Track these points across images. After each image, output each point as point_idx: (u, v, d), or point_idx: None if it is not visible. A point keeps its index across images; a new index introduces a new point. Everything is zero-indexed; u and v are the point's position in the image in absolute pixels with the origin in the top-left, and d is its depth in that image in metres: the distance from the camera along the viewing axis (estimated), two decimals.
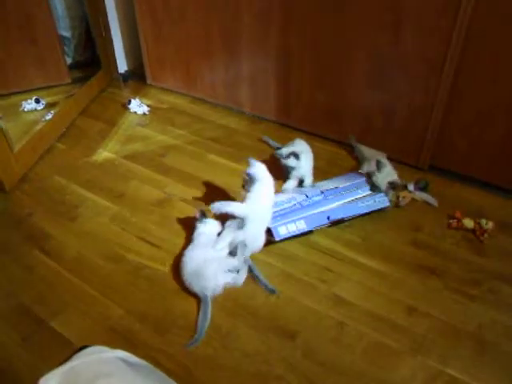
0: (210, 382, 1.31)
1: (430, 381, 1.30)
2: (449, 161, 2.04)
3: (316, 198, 1.79)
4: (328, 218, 1.72)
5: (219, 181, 2.05)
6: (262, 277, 1.58)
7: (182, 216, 1.86)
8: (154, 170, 2.14)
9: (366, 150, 2.11)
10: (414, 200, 1.91)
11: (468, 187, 1.99)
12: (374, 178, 1.83)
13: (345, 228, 1.79)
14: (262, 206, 1.65)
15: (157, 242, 1.75)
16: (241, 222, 1.62)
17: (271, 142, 2.11)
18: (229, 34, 2.35)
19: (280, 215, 1.71)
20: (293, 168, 1.87)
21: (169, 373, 1.09)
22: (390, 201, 1.84)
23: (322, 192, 1.82)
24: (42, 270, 1.66)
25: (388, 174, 1.84)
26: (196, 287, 1.51)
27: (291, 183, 1.91)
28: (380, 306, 1.50)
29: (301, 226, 1.69)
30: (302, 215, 1.72)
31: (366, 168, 1.95)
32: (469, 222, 1.77)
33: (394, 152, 2.07)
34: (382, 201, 1.82)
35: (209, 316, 1.45)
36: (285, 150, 1.86)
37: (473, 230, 1.76)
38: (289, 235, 1.68)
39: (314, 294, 1.55)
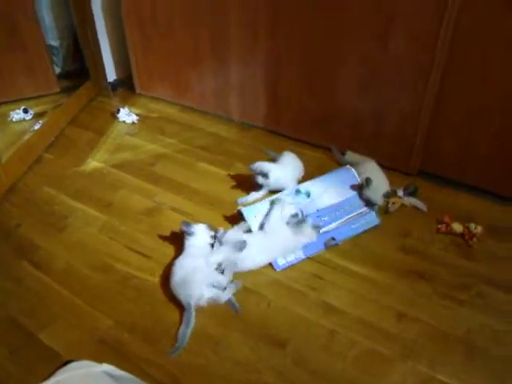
0: None
1: None
2: (438, 166, 2.05)
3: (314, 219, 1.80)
4: (324, 245, 1.74)
5: (209, 189, 2.05)
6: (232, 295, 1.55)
7: (172, 225, 1.85)
8: (143, 179, 2.13)
9: (355, 157, 2.13)
10: (403, 205, 1.91)
11: (457, 192, 2.00)
12: (367, 193, 1.85)
13: None
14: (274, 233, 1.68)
15: (146, 252, 1.74)
16: (242, 244, 1.61)
17: (271, 154, 2.15)
18: (217, 43, 2.35)
19: None
20: (261, 185, 1.94)
21: (158, 383, 1.08)
22: (378, 213, 1.87)
23: (318, 210, 1.83)
24: (31, 281, 1.64)
25: (377, 188, 1.84)
26: (181, 295, 1.50)
27: (258, 194, 1.97)
28: (370, 313, 1.50)
29: (298, 255, 1.70)
30: None
31: (360, 174, 1.95)
32: (458, 227, 1.77)
33: (384, 158, 2.08)
34: (372, 220, 1.84)
35: (192, 325, 1.44)
36: (255, 166, 1.92)
37: (462, 235, 1.77)
38: (288, 265, 1.68)
39: (305, 301, 1.55)
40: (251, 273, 1.64)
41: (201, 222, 1.71)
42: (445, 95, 1.87)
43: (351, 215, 1.85)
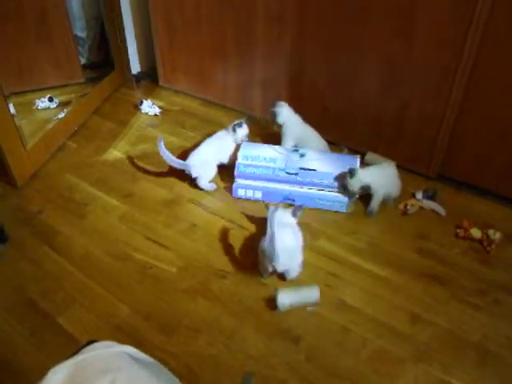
0: (213, 383, 1.31)
1: None
2: (459, 170, 2.03)
3: (289, 175, 1.90)
4: (282, 200, 1.91)
5: (228, 182, 2.06)
6: None
7: (190, 217, 1.88)
8: (163, 170, 2.15)
9: (375, 158, 2.12)
10: (421, 208, 1.91)
11: (477, 197, 1.98)
12: (346, 181, 1.82)
13: (351, 234, 1.80)
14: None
15: (164, 242, 1.77)
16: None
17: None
18: (243, 38, 2.36)
19: (250, 176, 1.93)
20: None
21: (172, 372, 1.10)
22: (349, 201, 1.89)
23: (301, 168, 1.90)
24: (50, 265, 1.68)
25: (356, 182, 1.80)
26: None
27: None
28: (384, 313, 1.51)
29: (257, 196, 1.95)
30: (264, 185, 1.93)
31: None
32: (476, 232, 1.76)
33: (404, 160, 2.07)
34: (340, 206, 1.89)
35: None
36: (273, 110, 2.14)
37: (480, 241, 1.75)
38: (243, 197, 1.96)
39: (319, 298, 1.55)
40: None
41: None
42: (470, 100, 1.85)
43: (325, 188, 1.89)
